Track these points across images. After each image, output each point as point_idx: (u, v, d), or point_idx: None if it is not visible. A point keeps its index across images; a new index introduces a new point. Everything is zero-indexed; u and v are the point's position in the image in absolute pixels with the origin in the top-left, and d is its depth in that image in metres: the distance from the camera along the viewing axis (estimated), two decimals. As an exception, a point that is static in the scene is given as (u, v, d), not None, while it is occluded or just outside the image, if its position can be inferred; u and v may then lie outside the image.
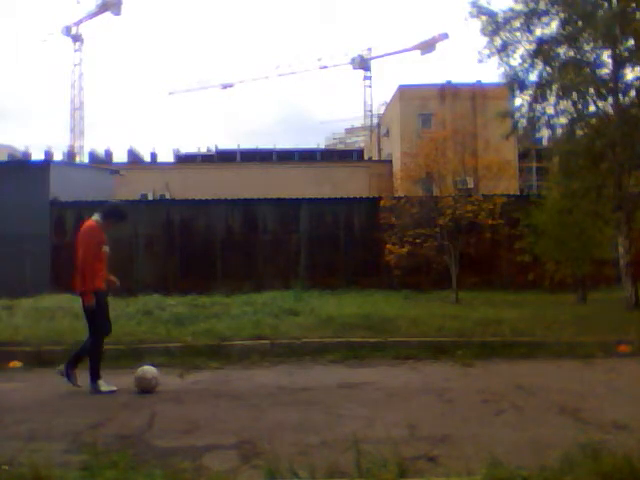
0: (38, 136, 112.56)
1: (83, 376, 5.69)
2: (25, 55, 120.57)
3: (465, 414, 4.59)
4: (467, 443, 3.85)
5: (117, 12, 56.43)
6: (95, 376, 5.59)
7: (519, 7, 10.18)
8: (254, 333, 7.44)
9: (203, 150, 49.83)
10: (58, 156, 41.76)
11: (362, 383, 5.72)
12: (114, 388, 5.55)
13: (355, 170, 33.73)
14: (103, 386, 5.55)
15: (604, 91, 9.91)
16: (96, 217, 5.82)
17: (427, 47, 54.24)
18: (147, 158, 44.94)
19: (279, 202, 14.45)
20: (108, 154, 43.31)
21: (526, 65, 10.32)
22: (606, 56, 9.97)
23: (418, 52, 55.02)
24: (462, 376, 6.06)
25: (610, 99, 9.99)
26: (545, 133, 11.95)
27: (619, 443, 3.56)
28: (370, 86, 58.47)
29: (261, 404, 4.98)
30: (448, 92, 31.81)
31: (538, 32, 10.18)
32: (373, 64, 58.33)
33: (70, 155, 45.53)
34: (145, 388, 5.47)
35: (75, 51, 55.87)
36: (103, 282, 5.73)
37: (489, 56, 10.39)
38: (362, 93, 66.60)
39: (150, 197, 26.27)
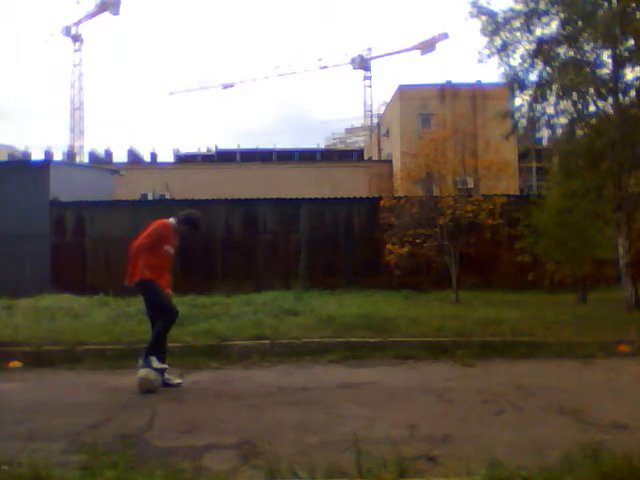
0: (38, 136, 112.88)
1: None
2: (25, 55, 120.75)
3: (465, 414, 4.59)
4: (467, 443, 3.85)
5: (116, 12, 56.58)
6: (150, 352, 5.61)
7: (519, 7, 10.18)
8: (254, 333, 7.43)
9: (203, 150, 49.87)
10: (58, 156, 41.83)
11: (362, 383, 5.71)
12: (165, 366, 5.63)
13: (355, 170, 33.73)
14: (155, 362, 5.56)
15: (604, 91, 9.90)
16: (172, 219, 5.91)
17: (427, 47, 54.31)
18: (147, 158, 44.97)
19: (279, 202, 14.46)
20: (108, 154, 43.33)
21: (526, 65, 10.32)
22: (606, 56, 9.98)
23: (418, 52, 55.15)
24: (462, 376, 6.06)
25: (610, 99, 9.98)
26: (545, 133, 11.96)
27: (619, 443, 3.56)
28: (370, 86, 58.70)
29: (261, 404, 4.98)
30: (448, 92, 31.81)
31: (538, 32, 10.18)
32: (373, 64, 58.57)
33: (70, 155, 45.54)
34: (149, 388, 5.47)
35: (75, 51, 56.09)
36: (157, 277, 5.75)
37: (489, 56, 10.39)
38: (362, 93, 66.78)
39: (150, 197, 26.28)
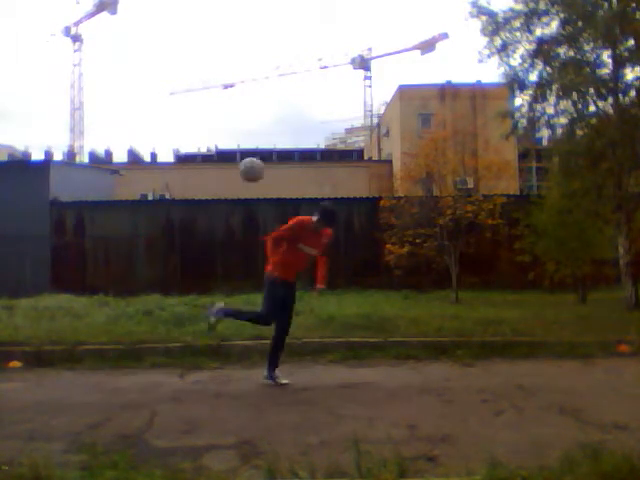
0: (38, 136, 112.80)
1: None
2: (25, 55, 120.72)
3: (465, 414, 4.59)
4: (467, 443, 3.85)
5: (113, 11, 56.52)
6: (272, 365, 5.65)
7: (519, 7, 10.18)
8: (254, 333, 7.40)
9: (203, 150, 49.86)
10: (58, 156, 41.83)
11: (362, 383, 5.71)
12: (285, 381, 5.59)
13: (355, 170, 33.75)
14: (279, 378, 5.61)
15: (604, 91, 9.90)
16: (314, 217, 5.78)
17: (427, 47, 54.28)
18: (147, 158, 44.96)
19: (279, 202, 14.45)
20: (108, 154, 43.33)
21: (526, 65, 10.32)
22: (606, 56, 9.97)
23: (418, 52, 55.10)
24: (462, 376, 6.06)
25: (610, 99, 9.98)
26: (545, 133, 11.95)
27: (619, 443, 3.56)
28: (370, 86, 58.71)
29: (261, 404, 4.98)
30: (448, 92, 31.84)
31: (538, 32, 10.18)
32: (373, 64, 58.53)
33: (70, 155, 45.53)
34: (253, 178, 5.59)
35: (75, 51, 56.06)
36: (287, 275, 5.67)
37: (489, 56, 10.39)
38: (362, 93, 66.78)
39: (150, 197, 26.27)
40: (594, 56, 10.01)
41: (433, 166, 12.55)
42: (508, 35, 10.22)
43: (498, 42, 10.26)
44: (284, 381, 5.62)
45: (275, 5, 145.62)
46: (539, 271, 11.15)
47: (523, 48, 10.24)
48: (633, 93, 10.11)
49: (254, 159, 5.80)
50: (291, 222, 5.79)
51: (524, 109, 10.60)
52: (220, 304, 6.03)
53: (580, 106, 10.09)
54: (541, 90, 10.19)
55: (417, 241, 11.66)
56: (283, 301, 5.67)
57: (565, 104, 10.20)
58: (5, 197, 13.90)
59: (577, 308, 9.91)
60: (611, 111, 10.00)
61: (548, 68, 10.22)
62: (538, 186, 30.42)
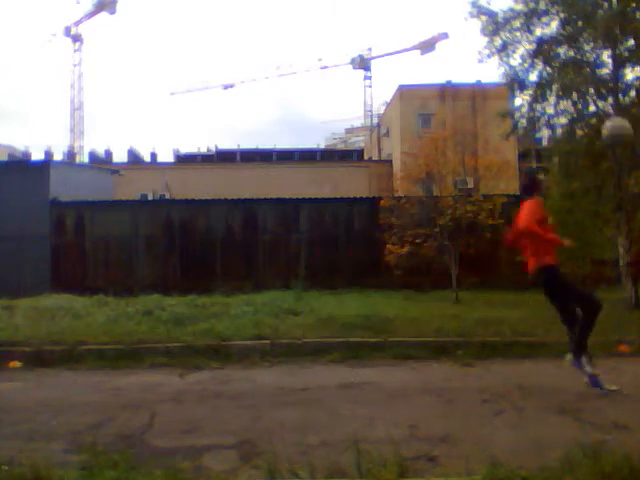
0: (38, 136, 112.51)
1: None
2: (26, 56, 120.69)
3: (465, 414, 4.59)
4: (467, 443, 3.85)
5: (112, 11, 56.59)
6: (580, 352, 5.14)
7: (519, 7, 10.19)
8: (254, 333, 7.44)
9: (203, 150, 49.90)
10: (58, 156, 41.86)
11: (362, 383, 5.71)
12: (614, 387, 5.03)
13: (355, 170, 33.74)
14: (587, 366, 5.11)
15: (604, 91, 9.90)
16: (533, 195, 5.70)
17: (427, 47, 54.36)
18: (147, 158, 44.98)
19: (279, 202, 14.47)
20: (108, 154, 43.34)
21: (526, 65, 10.32)
22: (606, 56, 9.97)
23: (418, 52, 55.22)
24: (462, 376, 6.06)
25: (610, 99, 9.98)
26: (545, 133, 11.94)
27: (619, 443, 3.56)
28: (370, 86, 59.00)
29: (261, 404, 4.98)
30: (448, 92, 31.81)
31: (538, 32, 10.19)
32: (373, 64, 58.75)
33: (70, 155, 45.57)
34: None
35: (75, 51, 56.12)
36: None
37: (489, 56, 10.40)
38: (362, 93, 66.82)
39: (150, 197, 26.28)
40: (594, 56, 10.01)
41: (433, 166, 12.55)
42: (508, 35, 10.23)
43: (498, 42, 10.28)
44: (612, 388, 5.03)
45: (275, 5, 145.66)
46: (539, 271, 11.12)
47: (523, 48, 10.27)
48: (633, 93, 10.12)
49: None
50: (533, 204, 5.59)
51: (524, 109, 10.60)
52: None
53: (580, 106, 10.10)
54: (541, 90, 10.19)
55: (417, 241, 11.66)
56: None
57: (565, 104, 10.20)
58: (5, 197, 13.92)
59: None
60: (611, 111, 10.00)
61: (548, 68, 10.22)
62: (538, 186, 30.33)
